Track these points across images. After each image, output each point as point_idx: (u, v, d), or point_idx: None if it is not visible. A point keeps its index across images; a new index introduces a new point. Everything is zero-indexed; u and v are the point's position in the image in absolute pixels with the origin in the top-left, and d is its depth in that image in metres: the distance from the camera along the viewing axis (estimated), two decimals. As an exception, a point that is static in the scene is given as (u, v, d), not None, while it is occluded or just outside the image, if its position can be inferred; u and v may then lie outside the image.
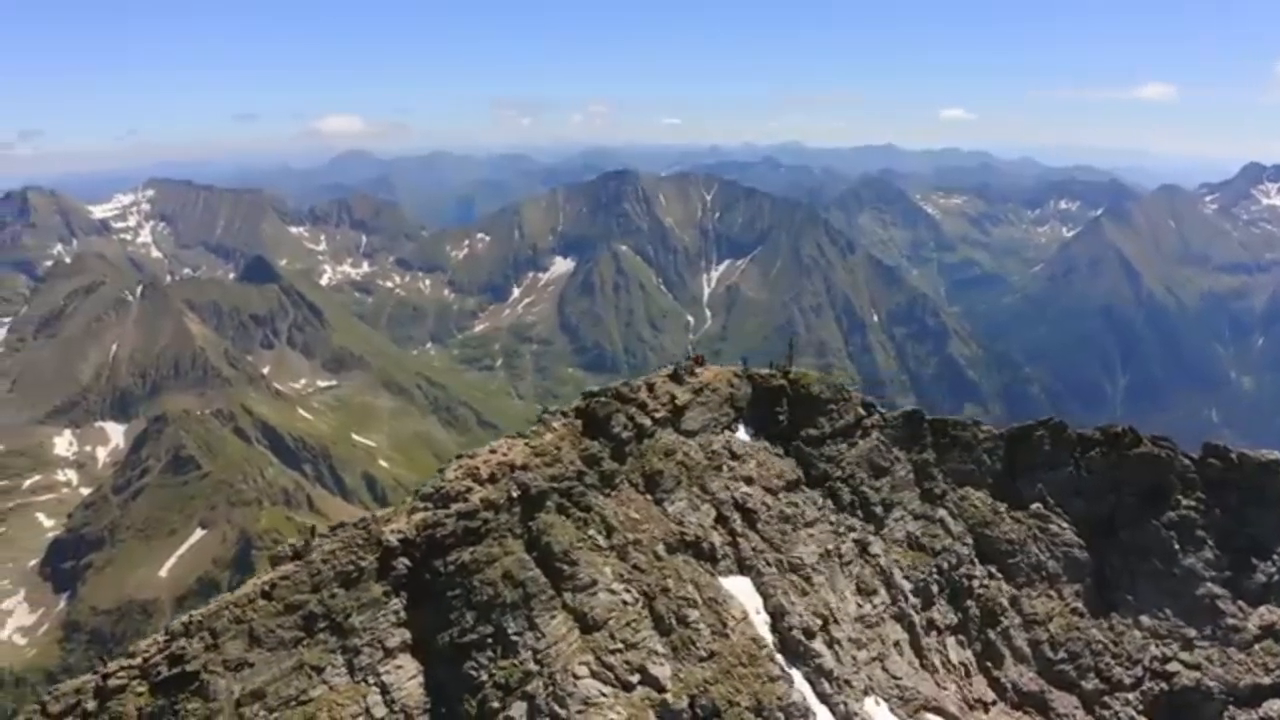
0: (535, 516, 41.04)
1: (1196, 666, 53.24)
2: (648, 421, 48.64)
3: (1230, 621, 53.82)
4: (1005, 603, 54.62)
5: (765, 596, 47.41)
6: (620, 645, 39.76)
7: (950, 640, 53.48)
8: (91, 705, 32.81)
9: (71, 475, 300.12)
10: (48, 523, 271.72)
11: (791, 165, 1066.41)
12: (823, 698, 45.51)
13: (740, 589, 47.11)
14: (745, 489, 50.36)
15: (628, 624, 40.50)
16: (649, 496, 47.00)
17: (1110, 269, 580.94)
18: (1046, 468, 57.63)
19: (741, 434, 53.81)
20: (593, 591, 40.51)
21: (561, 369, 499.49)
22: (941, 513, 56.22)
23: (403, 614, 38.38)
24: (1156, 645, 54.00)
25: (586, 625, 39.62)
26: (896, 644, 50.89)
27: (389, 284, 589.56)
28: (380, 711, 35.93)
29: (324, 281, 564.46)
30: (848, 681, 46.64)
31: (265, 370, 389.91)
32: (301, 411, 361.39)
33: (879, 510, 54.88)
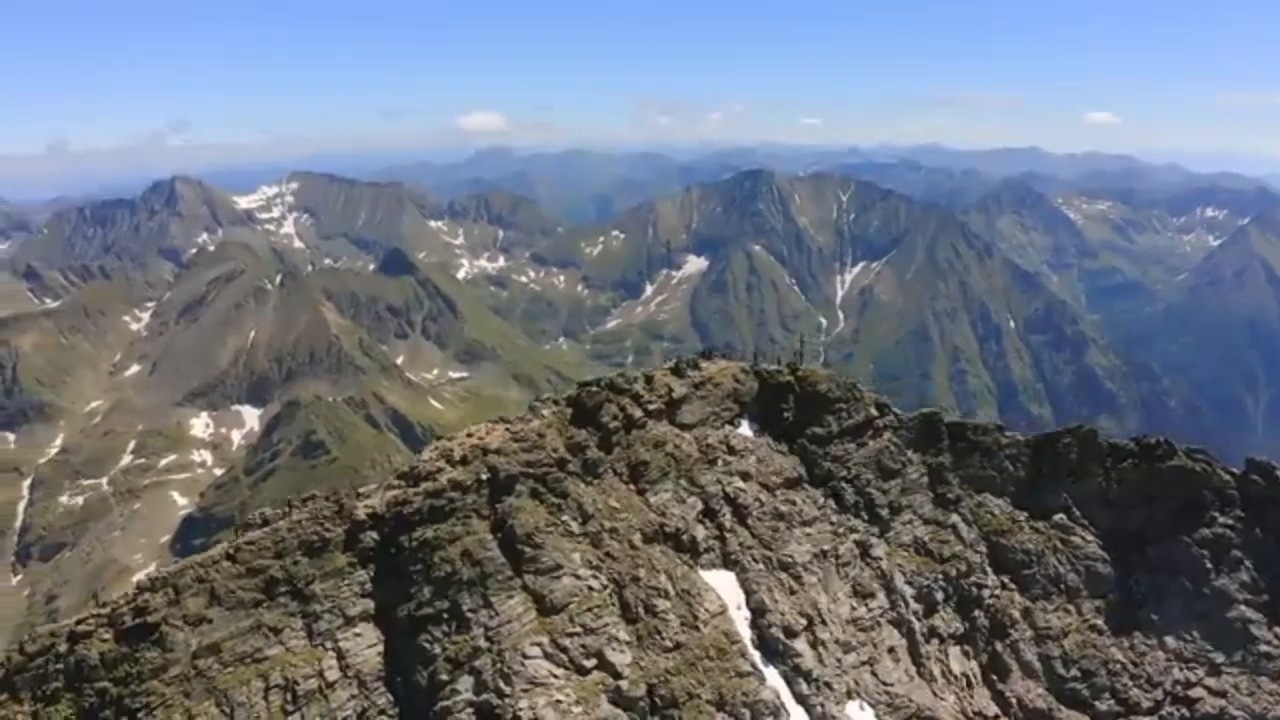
0: (503, 499, 42.04)
1: (1222, 693, 50.22)
2: (639, 413, 49.02)
3: (1263, 648, 50.54)
4: (1017, 614, 52.61)
5: (748, 593, 47.19)
6: (579, 629, 40.37)
7: (953, 650, 51.90)
8: (63, 648, 35.46)
9: (206, 456, 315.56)
10: (181, 501, 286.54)
11: (931, 167, 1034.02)
12: (799, 698, 45.01)
13: (724, 584, 47.02)
14: (740, 484, 50.12)
15: (590, 609, 41.07)
16: (632, 486, 47.40)
17: (1256, 280, 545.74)
18: (1074, 477, 55.22)
19: (744, 429, 53.55)
20: (556, 575, 41.24)
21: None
22: (954, 518, 54.57)
23: (368, 585, 40.08)
24: (1180, 668, 51.12)
25: (545, 607, 40.38)
26: (891, 650, 49.74)
27: (523, 279, 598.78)
28: (334, 675, 37.64)
29: (460, 275, 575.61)
30: (828, 684, 45.96)
31: (398, 360, 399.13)
32: (432, 401, 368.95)
33: (885, 513, 53.66)
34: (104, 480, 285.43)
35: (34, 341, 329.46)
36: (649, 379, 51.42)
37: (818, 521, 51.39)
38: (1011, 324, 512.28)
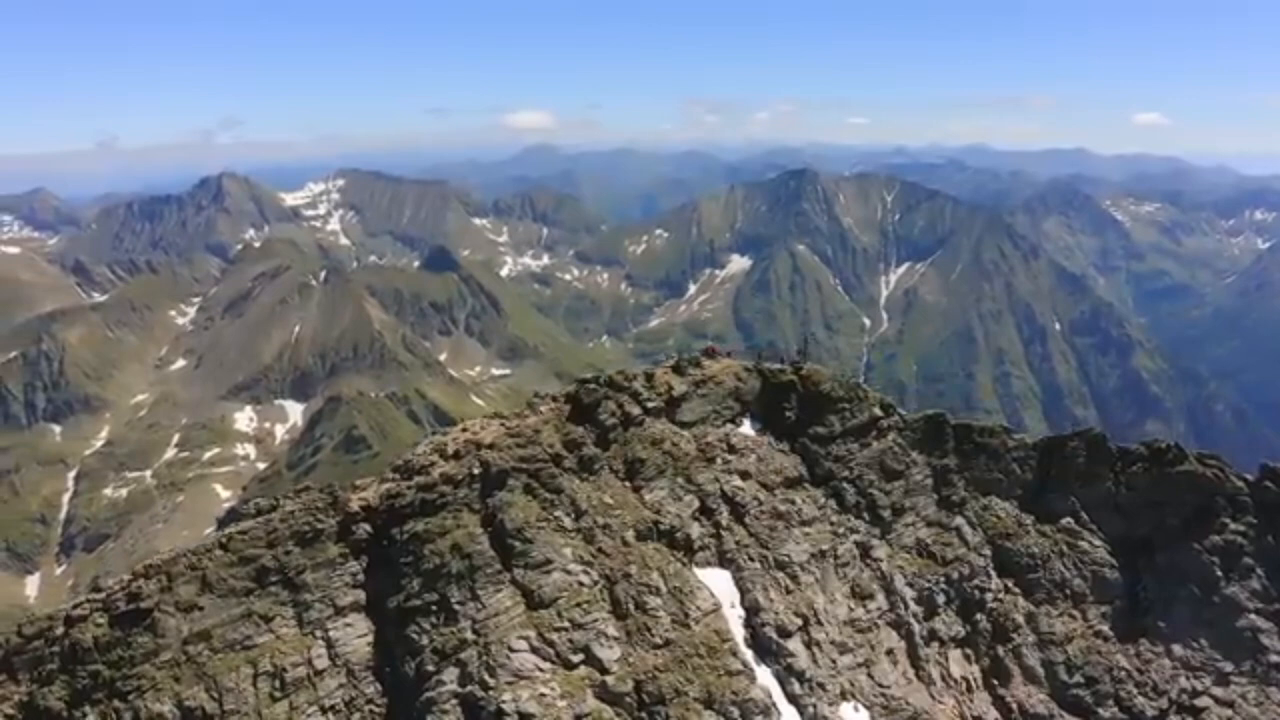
0: (494, 494, 42.40)
1: (1229, 704, 49.37)
2: (637, 410, 49.15)
3: (1273, 658, 49.64)
4: (1020, 619, 52.03)
5: (743, 591, 47.09)
6: (567, 624, 40.62)
7: (954, 653, 51.46)
8: (59, 631, 36.43)
9: (249, 450, 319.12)
10: (224, 494, 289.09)
11: (978, 168, 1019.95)
12: (792, 698, 44.84)
13: (719, 582, 46.98)
14: (738, 483, 50.00)
15: (579, 604, 41.30)
16: (628, 483, 47.53)
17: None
18: (1082, 481, 54.50)
19: (746, 428, 53.45)
20: (546, 570, 41.52)
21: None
22: (959, 521, 54.07)
23: (360, 576, 40.72)
24: (1187, 677, 50.31)
25: (533, 602, 40.68)
26: (889, 652, 49.39)
27: (567, 277, 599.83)
28: (322, 664, 38.29)
29: (504, 272, 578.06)
30: (822, 684, 45.75)
31: (441, 357, 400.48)
32: (474, 398, 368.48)
33: (887, 514, 53.25)
34: (148, 473, 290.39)
35: (81, 335, 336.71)
36: (649, 376, 51.54)
37: (817, 521, 51.14)
38: (1057, 326, 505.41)
